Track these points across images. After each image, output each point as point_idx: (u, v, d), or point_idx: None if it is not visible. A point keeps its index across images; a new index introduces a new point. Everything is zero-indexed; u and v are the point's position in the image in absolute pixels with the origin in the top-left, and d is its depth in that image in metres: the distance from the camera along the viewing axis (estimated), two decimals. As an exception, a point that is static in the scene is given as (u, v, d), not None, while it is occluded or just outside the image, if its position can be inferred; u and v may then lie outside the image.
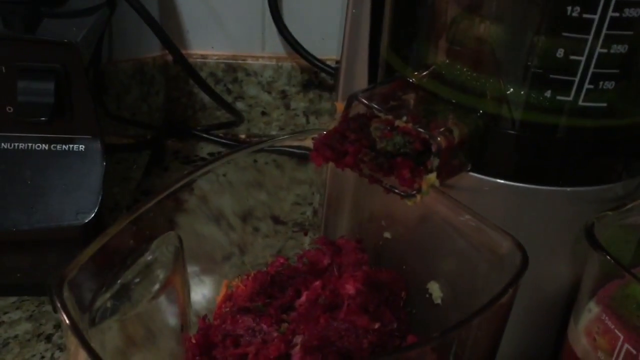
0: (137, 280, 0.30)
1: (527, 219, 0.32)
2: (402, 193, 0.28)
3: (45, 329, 0.46)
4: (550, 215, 0.32)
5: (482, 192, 0.31)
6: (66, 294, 0.25)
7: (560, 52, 0.27)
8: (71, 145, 0.41)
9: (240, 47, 0.66)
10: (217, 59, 0.66)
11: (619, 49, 0.27)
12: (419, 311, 0.34)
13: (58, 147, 0.41)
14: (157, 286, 0.31)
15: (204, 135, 0.68)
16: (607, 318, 0.31)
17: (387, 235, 0.36)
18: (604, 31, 0.26)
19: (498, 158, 0.31)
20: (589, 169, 0.31)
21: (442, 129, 0.28)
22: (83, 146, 0.41)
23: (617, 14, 0.26)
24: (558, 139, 0.30)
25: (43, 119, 0.38)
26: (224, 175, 0.58)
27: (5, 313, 0.47)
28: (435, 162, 0.27)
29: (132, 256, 0.29)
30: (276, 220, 0.54)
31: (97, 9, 0.43)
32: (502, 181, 0.31)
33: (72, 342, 0.24)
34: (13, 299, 0.48)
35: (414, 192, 0.28)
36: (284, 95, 0.68)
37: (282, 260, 0.38)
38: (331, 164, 0.37)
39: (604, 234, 0.32)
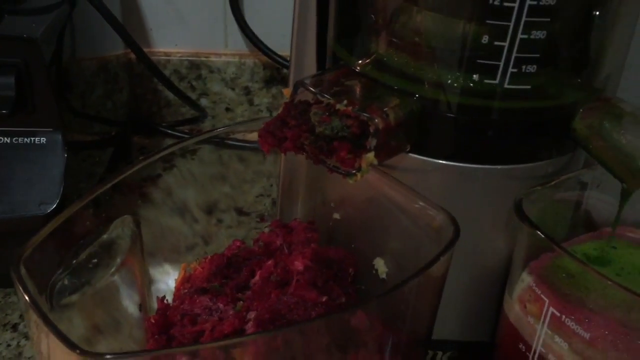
0: (94, 260, 0.31)
1: (465, 197, 0.34)
2: (343, 172, 0.30)
3: (11, 318, 0.47)
4: (486, 193, 0.34)
5: (422, 172, 0.33)
6: (23, 271, 0.26)
7: (485, 39, 0.29)
8: (33, 138, 0.42)
9: (203, 45, 0.68)
10: (180, 56, 0.68)
11: (538, 34, 0.29)
12: (368, 287, 0.36)
13: (20, 140, 0.42)
14: (113, 268, 0.32)
15: (169, 131, 0.69)
16: (537, 287, 0.33)
17: (336, 216, 0.37)
18: (524, 18, 0.28)
19: (435, 139, 0.33)
20: (520, 148, 0.33)
21: (379, 112, 0.30)
22: (45, 139, 0.43)
23: (535, 2, 0.28)
24: (489, 120, 0.32)
25: (4, 112, 0.40)
26: (189, 169, 0.60)
27: (-28, 304, 0.48)
28: (373, 142, 0.29)
29: (89, 237, 0.31)
30: (240, 211, 0.56)
31: (56, 6, 0.44)
32: (440, 161, 0.33)
33: (32, 319, 0.26)
34: (-20, 290, 0.49)
35: (354, 171, 0.30)
36: (247, 91, 0.69)
37: (238, 244, 0.40)
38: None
39: (535, 209, 0.34)
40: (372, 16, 0.34)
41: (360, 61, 0.34)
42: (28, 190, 0.42)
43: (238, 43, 0.67)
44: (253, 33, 0.65)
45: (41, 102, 0.42)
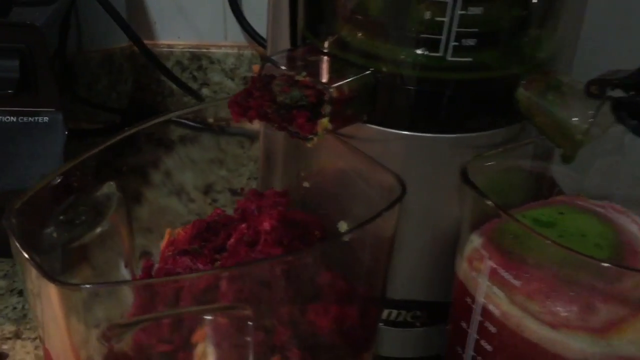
0: (82, 217, 0.35)
1: (420, 164, 0.37)
2: (302, 137, 0.34)
3: (17, 285, 0.51)
4: (439, 161, 0.37)
5: (378, 141, 0.37)
6: (14, 220, 0.30)
7: (427, 15, 0.32)
8: (36, 118, 0.46)
9: (204, 37, 0.72)
10: (182, 48, 0.72)
11: (475, 10, 0.32)
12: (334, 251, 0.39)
13: (24, 119, 0.46)
14: (99, 226, 0.36)
15: (176, 118, 0.73)
16: (485, 247, 0.36)
17: (306, 185, 0.41)
18: (461, -5, 0.31)
19: (390, 110, 0.36)
20: (468, 118, 0.36)
21: (335, 83, 0.33)
22: (47, 118, 0.47)
23: (469, -20, 0.31)
24: (437, 91, 0.35)
25: (10, 91, 0.44)
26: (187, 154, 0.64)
27: (-18, 271, 0.52)
28: (327, 108, 0.33)
29: (77, 196, 0.34)
30: (234, 192, 0.60)
31: (58, -3, 0.49)
32: (394, 131, 0.36)
33: (21, 261, 0.29)
34: (-10, 258, 0.53)
35: (311, 136, 0.33)
36: (246, 81, 0.73)
37: (218, 211, 0.43)
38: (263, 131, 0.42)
39: (485, 176, 0.37)
40: (333, 2, 0.37)
41: (324, 41, 0.38)
42: (31, 165, 0.46)
43: (237, 36, 0.71)
44: (250, 26, 0.69)
45: (43, 84, 0.46)
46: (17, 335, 0.47)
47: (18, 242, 0.29)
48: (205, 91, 0.73)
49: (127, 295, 0.31)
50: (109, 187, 0.37)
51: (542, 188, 0.42)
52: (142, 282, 0.32)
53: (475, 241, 0.37)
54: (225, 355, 0.35)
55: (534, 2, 0.34)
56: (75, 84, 0.61)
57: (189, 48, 0.72)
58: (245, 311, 0.31)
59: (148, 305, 0.35)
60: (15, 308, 0.49)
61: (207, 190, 0.63)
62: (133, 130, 0.39)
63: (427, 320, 0.43)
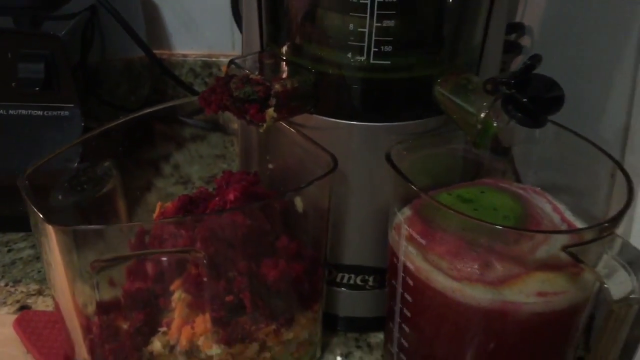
0: (85, 186, 0.44)
1: (358, 148, 0.45)
2: (255, 124, 0.42)
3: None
4: (373, 145, 0.45)
5: (323, 129, 0.45)
6: (26, 182, 0.39)
7: (351, 26, 0.40)
8: (58, 112, 0.56)
9: (214, 48, 0.81)
10: (195, 57, 0.81)
11: (388, 23, 0.40)
12: (294, 221, 0.48)
13: (49, 112, 0.56)
14: (99, 193, 0.45)
15: (187, 120, 0.83)
16: (411, 218, 0.43)
17: (270, 166, 0.49)
18: (376, 11, 0.40)
19: (331, 103, 0.44)
20: (395, 110, 0.44)
21: (280, 81, 0.42)
22: (67, 112, 0.56)
23: (381, 0, 0.39)
24: (367, 88, 0.43)
25: (36, 88, 0.54)
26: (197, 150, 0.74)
27: (15, 243, 0.62)
28: (273, 101, 0.41)
29: (81, 168, 0.44)
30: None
31: (79, 13, 0.59)
32: (336, 120, 0.45)
33: (30, 212, 0.38)
34: (21, 233, 0.63)
35: (261, 123, 0.42)
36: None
37: (202, 189, 0.52)
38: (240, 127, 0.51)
39: (419, 160, 0.45)
40: (286, 18, 0.46)
41: (281, 48, 0.46)
42: (54, 150, 0.56)
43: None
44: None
45: (64, 84, 0.56)
46: (39, 292, 0.57)
47: (27, 197, 0.39)
48: (214, 95, 0.82)
49: (113, 241, 0.40)
50: (107, 166, 0.47)
51: (471, 171, 0.50)
52: (117, 226, 0.41)
53: (406, 213, 0.45)
54: (193, 297, 0.43)
55: (438, 18, 0.42)
56: (99, 88, 0.71)
57: (201, 57, 0.81)
58: (198, 254, 0.40)
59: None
60: (39, 272, 0.59)
61: (210, 180, 0.73)
62: (120, 121, 0.47)
63: (374, 284, 0.51)
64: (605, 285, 0.36)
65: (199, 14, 0.80)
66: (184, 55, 0.82)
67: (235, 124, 0.60)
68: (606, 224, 0.38)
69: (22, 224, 0.63)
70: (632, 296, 0.36)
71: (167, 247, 0.46)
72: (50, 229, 0.36)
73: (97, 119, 0.67)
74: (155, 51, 0.78)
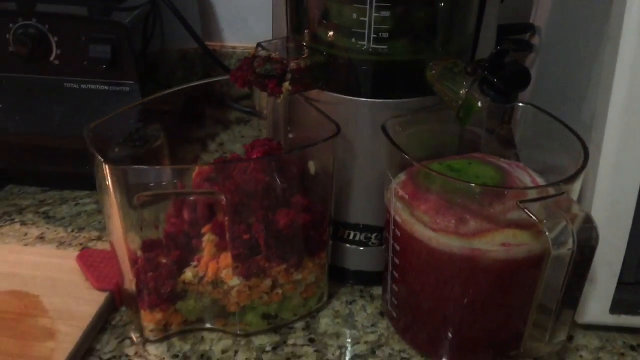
0: (137, 143, 0.54)
1: (363, 120, 0.54)
2: (274, 95, 0.51)
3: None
4: (375, 119, 0.53)
5: (335, 103, 0.54)
6: (90, 134, 0.49)
7: (355, 15, 0.49)
8: (120, 87, 0.67)
9: (259, 40, 0.91)
10: (242, 49, 0.91)
11: (385, 13, 0.48)
12: (308, 182, 0.56)
13: (112, 87, 0.67)
14: (149, 147, 0.55)
15: (234, 105, 0.93)
16: (405, 182, 0.51)
17: (290, 135, 0.58)
18: (374, 3, 0.48)
19: (340, 81, 0.53)
20: (394, 88, 0.52)
21: (295, 60, 0.51)
22: (128, 88, 0.67)
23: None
24: (368, 69, 0.52)
25: (103, 66, 0.64)
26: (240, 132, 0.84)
27: (81, 199, 0.73)
28: (288, 76, 0.50)
29: (134, 129, 0.54)
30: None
31: (141, 5, 0.69)
32: (343, 96, 0.53)
33: (92, 157, 0.49)
34: (87, 191, 0.75)
35: (279, 94, 0.51)
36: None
37: (235, 155, 0.62)
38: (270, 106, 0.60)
39: (406, 134, 0.53)
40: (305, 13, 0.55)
41: (301, 35, 0.55)
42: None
43: (285, 40, 0.90)
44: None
45: (127, 64, 0.66)
46: (98, 238, 0.67)
47: (90, 144, 0.49)
48: (259, 83, 0.92)
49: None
50: (156, 127, 0.57)
51: (467, 149, 0.57)
52: (159, 167, 0.50)
53: (400, 178, 0.53)
54: (219, 238, 0.53)
55: (428, 10, 0.50)
56: (158, 74, 0.81)
57: (248, 49, 0.91)
58: (220, 195, 0.49)
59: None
60: (100, 222, 0.70)
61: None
62: (170, 90, 0.57)
63: (376, 241, 0.59)
64: (547, 234, 0.43)
65: (246, 10, 0.90)
66: (233, 47, 0.92)
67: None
68: (559, 184, 0.45)
69: (88, 183, 0.74)
70: (567, 248, 0.43)
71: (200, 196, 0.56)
72: (107, 168, 0.46)
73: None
74: (208, 43, 0.88)
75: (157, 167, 0.50)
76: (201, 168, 0.59)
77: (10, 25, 0.65)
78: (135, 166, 0.46)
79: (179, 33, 0.85)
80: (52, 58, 0.67)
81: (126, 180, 0.47)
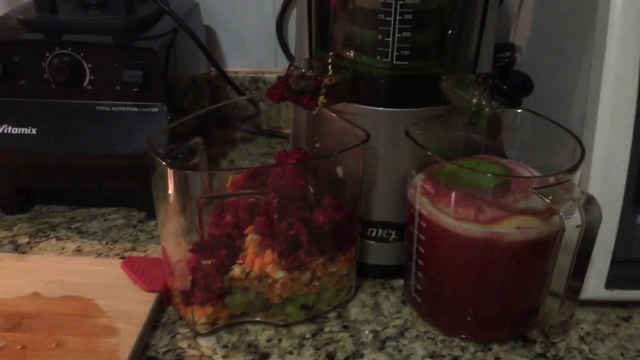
0: (180, 156, 0.60)
1: (386, 128, 0.61)
2: (309, 109, 0.58)
3: (132, 222, 0.77)
4: (398, 126, 0.60)
5: (360, 114, 0.61)
6: (150, 144, 0.55)
7: (379, 36, 0.57)
8: (150, 109, 0.73)
9: (259, 65, 0.98)
10: (244, 73, 0.98)
11: (406, 34, 0.56)
12: (334, 185, 0.63)
13: (143, 109, 0.73)
14: (191, 162, 0.61)
15: (239, 125, 1.00)
16: (424, 179, 0.59)
17: (317, 145, 0.65)
18: (397, 26, 0.56)
19: (365, 94, 0.60)
20: (413, 99, 0.60)
21: (327, 77, 0.58)
22: (156, 109, 0.73)
23: (401, 17, 0.55)
24: (391, 82, 0.59)
25: (135, 89, 0.70)
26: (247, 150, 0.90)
27: (109, 215, 0.78)
28: (322, 91, 0.57)
29: (180, 142, 0.60)
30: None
31: (167, 33, 0.76)
32: (368, 107, 0.60)
33: (151, 160, 0.54)
34: (113, 208, 0.80)
35: (314, 107, 0.58)
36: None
37: (263, 164, 0.68)
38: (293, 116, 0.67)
39: (427, 136, 0.60)
40: (331, 31, 0.62)
41: (327, 53, 0.63)
42: (146, 139, 0.72)
43: (285, 64, 0.97)
44: (293, 57, 0.95)
45: (156, 87, 0.72)
46: (133, 249, 0.72)
47: (151, 151, 0.55)
48: (261, 105, 0.99)
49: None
50: (197, 140, 0.63)
51: (470, 152, 0.65)
52: (215, 171, 0.56)
53: (420, 176, 0.60)
54: (262, 237, 0.59)
55: (443, 33, 0.58)
56: (173, 98, 0.87)
57: (249, 74, 0.98)
58: (270, 195, 0.55)
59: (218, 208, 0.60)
60: (131, 235, 0.75)
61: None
62: (201, 112, 0.63)
63: (395, 237, 0.66)
64: (561, 213, 0.51)
65: (248, 38, 0.97)
66: (235, 72, 0.99)
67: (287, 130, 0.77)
68: (564, 173, 0.54)
69: (116, 200, 0.80)
70: (576, 225, 0.51)
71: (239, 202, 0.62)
72: (170, 172, 0.52)
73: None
74: (212, 68, 0.95)
75: (215, 170, 0.56)
76: (236, 181, 0.66)
77: (47, 54, 0.71)
78: (195, 171, 0.52)
79: (187, 59, 0.91)
80: (85, 84, 0.72)
81: (187, 185, 0.53)
